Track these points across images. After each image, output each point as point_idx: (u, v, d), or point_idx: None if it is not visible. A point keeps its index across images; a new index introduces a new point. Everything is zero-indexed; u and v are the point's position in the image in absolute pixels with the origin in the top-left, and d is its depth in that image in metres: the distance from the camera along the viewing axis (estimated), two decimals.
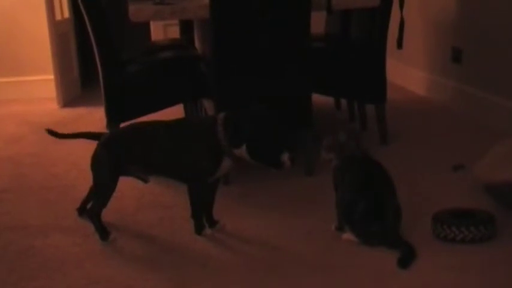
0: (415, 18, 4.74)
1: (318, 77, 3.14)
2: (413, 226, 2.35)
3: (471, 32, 4.04)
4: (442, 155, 3.23)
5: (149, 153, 2.35)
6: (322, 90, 3.55)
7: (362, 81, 3.48)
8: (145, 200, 2.81)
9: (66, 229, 2.54)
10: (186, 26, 4.66)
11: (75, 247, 2.37)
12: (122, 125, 3.11)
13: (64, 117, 4.56)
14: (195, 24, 4.26)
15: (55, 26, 5.01)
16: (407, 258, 2.11)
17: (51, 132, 2.55)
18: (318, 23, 3.86)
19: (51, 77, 5.03)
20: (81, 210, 2.63)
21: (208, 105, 3.30)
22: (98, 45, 3.17)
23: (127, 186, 2.57)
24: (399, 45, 3.49)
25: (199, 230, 2.40)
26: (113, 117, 3.18)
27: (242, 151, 2.26)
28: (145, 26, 5.30)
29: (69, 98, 5.19)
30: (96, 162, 2.40)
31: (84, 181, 2.88)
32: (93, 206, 2.45)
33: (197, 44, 4.18)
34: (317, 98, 3.33)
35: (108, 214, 2.46)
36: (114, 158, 2.38)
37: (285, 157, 2.22)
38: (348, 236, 2.28)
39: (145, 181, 2.48)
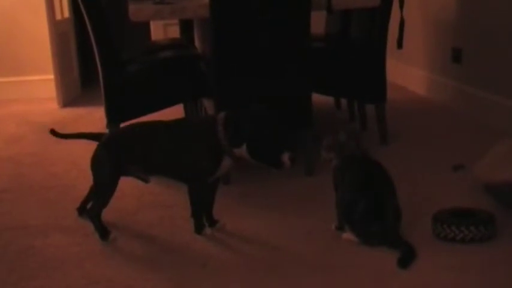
0: (415, 18, 4.74)
1: (318, 77, 3.14)
2: (413, 226, 2.35)
3: (471, 32, 4.04)
4: (442, 155, 3.23)
5: (149, 153, 2.35)
6: (322, 90, 3.55)
7: (362, 81, 3.48)
8: (145, 199, 2.81)
9: (66, 229, 2.54)
10: (186, 26, 4.66)
11: (75, 247, 2.37)
12: (122, 125, 3.12)
13: (64, 117, 4.56)
14: (195, 24, 4.27)
15: (55, 25, 5.01)
16: (407, 258, 2.11)
17: (53, 132, 2.55)
18: (318, 23, 3.86)
19: (51, 77, 5.03)
20: (81, 210, 2.63)
21: (208, 105, 3.30)
22: (98, 45, 3.17)
23: (127, 185, 2.57)
24: (399, 45, 3.49)
25: (199, 229, 2.40)
26: (112, 117, 3.18)
27: (242, 151, 2.26)
28: (145, 26, 5.30)
29: (69, 98, 5.19)
30: (96, 162, 2.40)
31: (84, 181, 2.88)
32: (93, 206, 2.45)
33: (197, 43, 4.18)
34: (317, 98, 3.33)
35: (108, 214, 2.46)
36: (114, 158, 2.38)
37: (285, 157, 2.22)
38: (348, 235, 2.28)
39: (146, 181, 2.48)
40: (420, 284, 1.98)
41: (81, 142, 2.62)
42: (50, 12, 4.93)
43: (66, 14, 5.39)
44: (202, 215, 2.42)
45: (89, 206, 2.54)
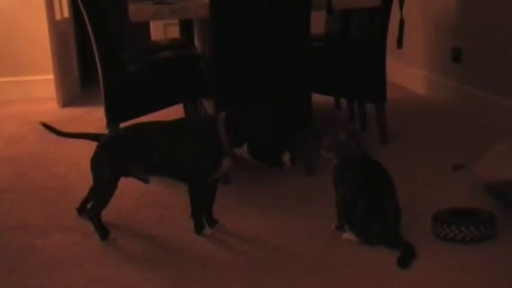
0: (415, 18, 4.74)
1: (318, 77, 3.14)
2: (413, 226, 2.35)
3: (471, 32, 4.04)
4: (442, 155, 3.23)
5: (149, 153, 2.35)
6: (322, 90, 3.55)
7: (362, 81, 3.48)
8: (145, 199, 2.81)
9: (66, 229, 2.54)
10: (186, 26, 4.66)
11: (75, 246, 2.37)
12: (122, 124, 3.12)
13: (64, 117, 4.56)
14: (195, 24, 4.27)
15: (55, 25, 5.02)
16: (407, 257, 2.11)
17: (52, 129, 2.54)
18: (318, 22, 3.86)
19: (51, 77, 5.04)
20: (81, 210, 2.63)
21: (208, 105, 3.30)
22: (98, 45, 3.17)
23: (127, 185, 2.57)
24: (399, 44, 3.49)
25: (199, 229, 2.40)
26: (112, 117, 3.18)
27: (243, 151, 2.26)
28: (145, 26, 5.30)
29: (69, 98, 5.20)
30: (96, 162, 2.40)
31: (84, 181, 2.88)
32: (93, 206, 2.45)
33: (197, 43, 4.18)
34: (317, 97, 3.33)
35: (108, 213, 2.46)
36: (114, 158, 2.38)
37: (286, 157, 2.22)
38: (348, 235, 2.28)
39: (146, 182, 2.48)
40: (420, 284, 1.98)
41: (81, 142, 2.62)
42: (49, 12, 4.93)
43: (66, 14, 5.39)
44: (202, 215, 2.42)
45: (88, 206, 2.54)
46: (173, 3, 2.96)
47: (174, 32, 5.18)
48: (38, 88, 5.30)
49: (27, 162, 3.49)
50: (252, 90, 2.92)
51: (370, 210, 2.21)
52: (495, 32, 3.74)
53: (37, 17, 5.18)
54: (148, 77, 3.31)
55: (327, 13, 3.19)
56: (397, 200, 2.26)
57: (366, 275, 2.05)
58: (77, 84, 5.57)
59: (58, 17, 5.14)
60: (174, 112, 3.53)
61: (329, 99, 4.27)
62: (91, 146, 2.45)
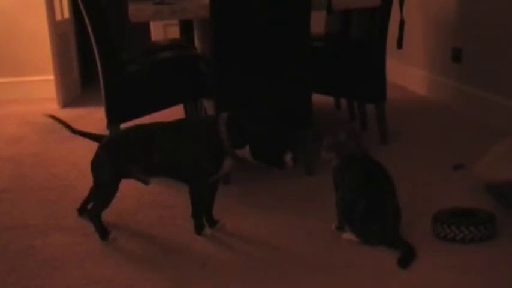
0: (415, 18, 4.74)
1: (318, 77, 3.14)
2: (413, 226, 2.35)
3: (471, 32, 4.04)
4: (442, 155, 3.23)
5: (150, 154, 2.35)
6: (322, 90, 3.55)
7: (362, 81, 3.48)
8: (145, 199, 2.81)
9: (66, 229, 2.54)
10: (186, 26, 4.66)
11: (75, 246, 2.37)
12: (122, 125, 3.12)
13: (64, 118, 4.52)
14: (195, 24, 4.27)
15: (55, 26, 5.02)
16: (407, 257, 2.11)
17: (65, 124, 2.52)
18: (318, 22, 3.86)
19: (51, 77, 5.04)
20: (82, 211, 2.63)
21: (208, 105, 3.30)
22: (98, 45, 3.17)
23: (127, 186, 2.56)
24: (399, 45, 3.49)
25: (199, 229, 2.40)
26: (113, 118, 3.18)
27: (245, 152, 2.26)
28: (145, 26, 5.30)
29: (69, 98, 5.20)
30: (97, 163, 2.40)
31: (84, 181, 2.88)
32: (93, 207, 2.45)
33: (197, 43, 4.18)
34: (317, 98, 3.33)
35: (108, 214, 2.46)
36: (115, 159, 2.38)
37: (288, 157, 2.22)
38: (348, 235, 2.28)
39: (146, 183, 2.48)
40: (420, 284, 1.98)
41: (81, 143, 2.62)
42: (50, 13, 4.93)
43: (66, 14, 5.39)
44: (203, 215, 2.42)
45: (89, 206, 2.54)
46: (173, 4, 2.96)
47: (174, 32, 5.19)
48: (38, 88, 5.30)
49: (27, 162, 3.49)
50: (252, 90, 2.92)
51: (370, 210, 2.21)
52: (495, 32, 3.74)
53: (37, 17, 5.18)
54: (149, 77, 3.31)
55: (327, 13, 3.19)
56: (397, 200, 2.26)
57: (366, 275, 2.05)
58: (77, 85, 5.58)
59: (58, 17, 5.14)
60: (175, 112, 3.53)
61: (329, 99, 4.27)
62: (91, 146, 2.45)
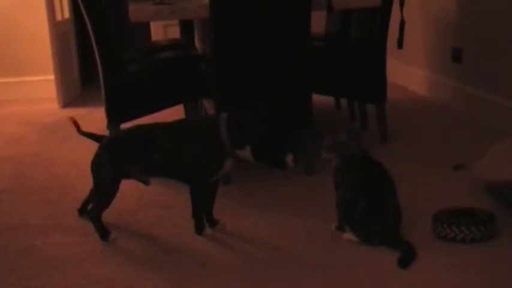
0: (415, 18, 4.74)
1: (318, 77, 3.14)
2: (413, 226, 2.35)
3: (471, 32, 4.04)
4: (442, 155, 3.23)
5: (151, 154, 2.35)
6: (322, 90, 3.55)
7: (362, 81, 3.48)
8: (145, 199, 2.81)
9: (66, 229, 2.54)
10: (186, 26, 4.66)
11: (75, 246, 2.37)
12: (123, 125, 3.12)
13: (64, 118, 4.55)
14: (195, 24, 4.27)
15: (55, 26, 5.01)
16: (407, 257, 2.11)
17: (77, 126, 2.50)
18: (318, 22, 3.86)
19: (51, 77, 5.03)
20: (82, 211, 2.63)
21: (208, 105, 3.30)
22: (98, 45, 3.17)
23: (127, 186, 2.56)
24: (399, 45, 3.49)
25: (199, 229, 2.40)
26: (113, 118, 3.18)
27: (246, 152, 2.26)
28: (145, 26, 5.30)
29: (70, 98, 5.20)
30: (97, 164, 2.39)
31: (84, 181, 2.88)
32: (93, 207, 2.45)
33: (197, 43, 4.18)
34: (317, 98, 3.33)
35: (108, 214, 2.46)
36: (115, 159, 2.38)
37: (289, 158, 2.22)
38: (348, 235, 2.28)
39: (147, 183, 2.48)
40: (420, 284, 1.98)
41: (81, 143, 2.62)
42: (50, 13, 4.93)
43: (67, 14, 5.39)
44: (203, 215, 2.42)
45: (89, 207, 2.54)
46: (173, 4, 2.96)
47: (175, 32, 5.19)
48: (39, 88, 5.30)
49: (27, 162, 3.49)
50: (252, 90, 2.92)
51: (371, 210, 2.20)
52: (495, 32, 3.74)
53: (37, 17, 5.18)
54: (149, 77, 3.31)
55: (327, 13, 3.19)
56: (397, 200, 2.26)
57: (366, 275, 2.05)
58: (77, 85, 5.58)
59: (58, 17, 5.14)
60: (175, 113, 3.53)
61: (329, 99, 4.27)
62: (91, 146, 2.45)
